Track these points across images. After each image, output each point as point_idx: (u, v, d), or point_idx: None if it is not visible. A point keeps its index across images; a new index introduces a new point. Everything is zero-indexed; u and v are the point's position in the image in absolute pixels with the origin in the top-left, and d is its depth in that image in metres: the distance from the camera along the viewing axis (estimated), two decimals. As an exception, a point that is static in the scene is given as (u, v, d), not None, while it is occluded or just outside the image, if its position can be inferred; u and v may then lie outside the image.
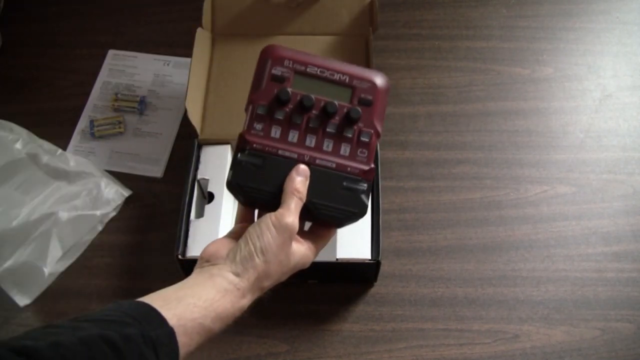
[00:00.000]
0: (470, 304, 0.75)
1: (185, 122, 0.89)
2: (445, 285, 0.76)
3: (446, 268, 0.77)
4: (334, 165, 0.53)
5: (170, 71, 0.93)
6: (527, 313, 0.74)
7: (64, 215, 0.76)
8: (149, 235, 0.80)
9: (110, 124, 0.88)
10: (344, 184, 0.52)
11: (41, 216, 0.75)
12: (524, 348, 0.72)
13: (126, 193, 0.82)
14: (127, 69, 0.94)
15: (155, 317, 0.43)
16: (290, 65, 0.54)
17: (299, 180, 0.51)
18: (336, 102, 0.53)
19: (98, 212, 0.78)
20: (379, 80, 0.55)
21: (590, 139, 0.88)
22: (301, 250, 0.51)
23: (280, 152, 0.52)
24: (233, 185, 0.52)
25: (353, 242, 0.71)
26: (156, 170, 0.85)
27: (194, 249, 0.71)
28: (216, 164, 0.78)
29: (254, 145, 0.52)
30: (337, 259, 0.70)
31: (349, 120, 0.53)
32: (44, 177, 0.78)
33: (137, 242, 0.79)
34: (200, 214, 0.75)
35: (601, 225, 0.81)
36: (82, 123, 0.89)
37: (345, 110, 0.53)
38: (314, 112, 0.53)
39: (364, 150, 0.53)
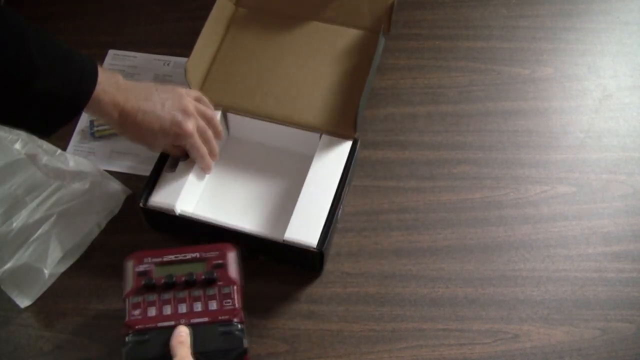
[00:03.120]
0: (470, 304, 0.75)
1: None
2: (445, 285, 0.76)
3: (446, 268, 0.77)
4: (207, 319, 0.63)
5: (170, 71, 0.93)
6: (527, 313, 0.74)
7: (64, 216, 0.76)
8: (149, 235, 0.80)
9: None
10: (220, 329, 0.62)
11: (41, 217, 0.75)
12: (524, 348, 0.72)
13: (126, 193, 0.82)
14: (127, 69, 0.94)
15: None
16: (150, 261, 0.67)
17: (182, 332, 0.60)
18: (194, 273, 0.65)
19: (98, 213, 0.79)
20: (226, 247, 0.68)
21: (590, 139, 0.88)
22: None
23: (159, 324, 0.62)
24: None
25: (305, 225, 0.73)
26: (156, 171, 0.85)
27: (157, 198, 0.74)
28: None
29: (137, 327, 0.62)
30: (283, 240, 0.72)
31: (208, 282, 0.65)
32: (43, 178, 0.78)
33: (137, 242, 0.79)
34: (173, 168, 0.77)
35: (601, 225, 0.81)
36: (82, 123, 0.89)
37: (202, 276, 0.65)
38: (178, 286, 0.65)
39: (229, 300, 0.64)
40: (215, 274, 0.65)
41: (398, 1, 0.86)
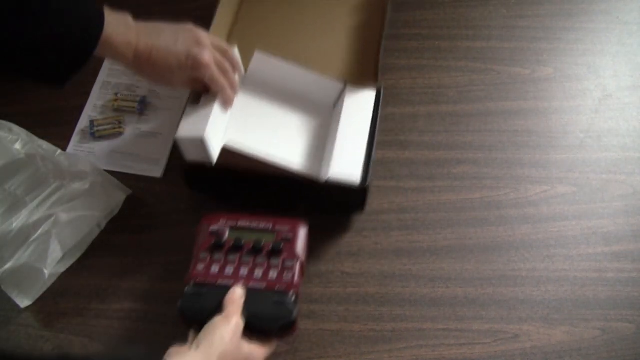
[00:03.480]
0: (470, 304, 0.75)
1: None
2: (445, 285, 0.76)
3: (446, 268, 0.77)
4: (264, 287, 0.65)
5: (170, 71, 0.93)
6: (527, 313, 0.74)
7: (64, 216, 0.76)
8: (149, 235, 0.80)
9: (110, 124, 0.88)
10: (274, 298, 0.65)
11: (41, 217, 0.75)
12: (524, 348, 0.72)
13: (126, 193, 0.82)
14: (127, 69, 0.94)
15: None
16: (224, 223, 0.70)
17: (237, 292, 0.63)
18: (262, 241, 0.68)
19: (98, 213, 0.78)
20: (298, 223, 0.71)
21: (590, 139, 0.88)
22: (251, 346, 0.62)
23: (218, 282, 0.66)
24: (182, 312, 0.65)
25: (347, 164, 0.74)
26: (156, 170, 0.85)
27: (185, 130, 0.73)
28: None
29: (197, 280, 0.66)
30: (327, 179, 0.73)
31: (274, 252, 0.68)
32: (43, 178, 0.78)
33: (137, 242, 0.79)
34: (197, 101, 0.77)
35: (601, 225, 0.81)
36: (82, 123, 0.89)
37: (270, 246, 0.68)
38: (245, 251, 0.68)
39: (289, 273, 0.67)
40: (281, 246, 0.68)
41: (398, 1, 0.86)
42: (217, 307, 0.63)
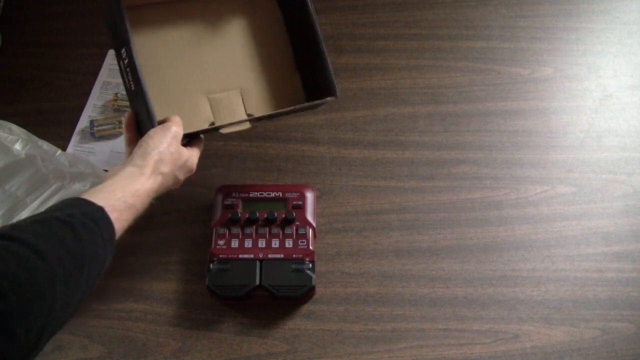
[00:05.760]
0: (470, 304, 0.75)
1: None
2: (445, 285, 0.76)
3: (446, 268, 0.77)
4: (282, 256, 0.72)
5: (170, 71, 0.93)
6: (527, 313, 0.74)
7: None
8: (149, 235, 0.80)
9: (110, 124, 0.88)
10: (292, 267, 0.72)
11: (41, 217, 0.75)
12: (524, 348, 0.72)
13: (126, 193, 0.81)
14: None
15: (85, 202, 0.56)
16: (237, 195, 0.77)
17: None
18: (275, 212, 0.74)
19: (98, 213, 0.78)
20: (306, 188, 0.78)
21: (590, 139, 0.88)
22: (189, 150, 0.68)
23: (240, 256, 0.72)
24: (211, 288, 0.71)
25: None
26: (156, 171, 0.85)
27: None
28: None
29: (220, 256, 0.72)
30: None
31: (287, 221, 0.74)
32: (44, 178, 0.78)
33: (137, 242, 0.79)
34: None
35: (601, 225, 0.81)
36: (82, 123, 0.89)
37: (283, 215, 0.74)
38: (259, 222, 0.75)
39: (304, 240, 0.74)
40: (293, 215, 0.75)
41: (398, 1, 0.86)
42: (243, 282, 0.70)
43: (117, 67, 0.91)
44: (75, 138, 0.88)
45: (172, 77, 0.76)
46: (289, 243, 0.73)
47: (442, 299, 0.75)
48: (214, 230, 0.75)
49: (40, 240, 0.48)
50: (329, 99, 0.74)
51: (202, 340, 0.73)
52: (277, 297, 0.71)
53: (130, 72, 0.67)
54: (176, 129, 0.66)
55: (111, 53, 0.95)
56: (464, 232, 0.80)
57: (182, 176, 0.68)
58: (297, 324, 0.74)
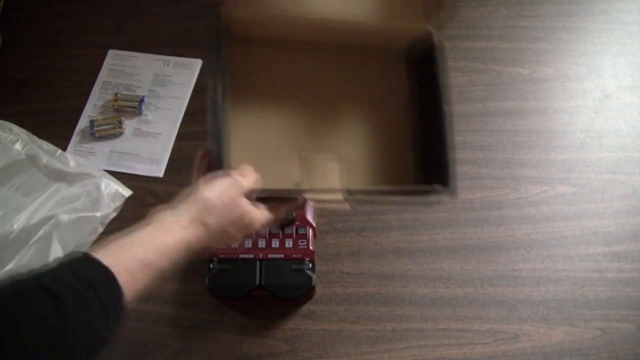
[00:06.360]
0: (470, 304, 0.75)
1: (185, 122, 0.89)
2: (445, 285, 0.76)
3: (446, 268, 0.77)
4: (282, 256, 0.72)
5: (170, 71, 0.93)
6: (527, 313, 0.74)
7: (64, 217, 0.76)
8: (149, 236, 0.80)
9: (110, 124, 0.88)
10: (292, 267, 0.71)
11: (42, 219, 0.75)
12: (524, 348, 0.72)
13: (126, 193, 0.82)
14: (127, 69, 0.94)
15: (91, 262, 0.45)
16: None
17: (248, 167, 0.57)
18: None
19: (98, 214, 0.78)
20: None
21: (590, 139, 0.88)
22: (252, 206, 0.55)
23: (240, 256, 0.71)
24: (211, 288, 0.71)
25: None
26: (156, 170, 0.85)
27: None
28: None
29: (220, 256, 0.71)
30: None
31: (287, 222, 0.73)
32: (43, 179, 0.78)
33: (137, 243, 0.79)
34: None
35: (601, 225, 0.81)
36: (82, 123, 0.89)
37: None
38: None
39: (304, 240, 0.73)
40: (293, 214, 0.73)
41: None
42: (244, 281, 0.70)
43: (117, 67, 0.91)
44: (75, 138, 0.88)
45: (264, 122, 0.65)
46: (289, 243, 0.73)
47: (442, 299, 0.75)
48: None
49: (5, 319, 0.39)
50: (439, 189, 0.60)
51: (202, 340, 0.73)
52: (277, 297, 0.71)
53: (212, 104, 0.58)
54: (240, 178, 0.55)
55: (111, 53, 0.95)
56: (464, 232, 0.80)
57: (236, 232, 0.55)
58: (297, 324, 0.74)
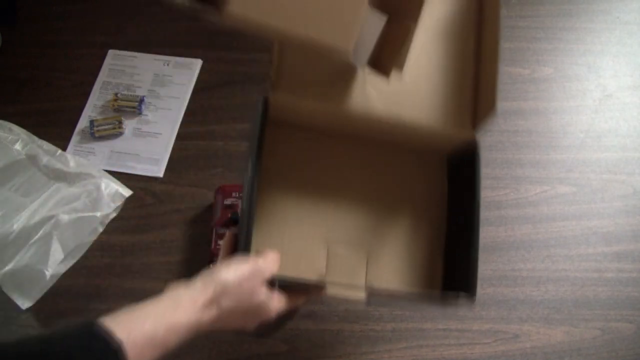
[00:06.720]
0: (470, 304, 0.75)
1: (185, 122, 0.89)
2: (445, 285, 0.76)
3: (446, 268, 0.77)
4: None
5: (170, 71, 0.93)
6: (527, 313, 0.74)
7: (64, 217, 0.76)
8: (149, 235, 0.80)
9: (110, 124, 0.88)
10: None
11: (42, 219, 0.75)
12: (524, 348, 0.72)
13: (126, 193, 0.82)
14: (127, 69, 0.94)
15: (100, 335, 0.44)
16: (236, 195, 0.74)
17: (273, 257, 0.56)
18: None
19: (98, 214, 0.78)
20: None
21: (590, 139, 0.88)
22: (270, 294, 0.54)
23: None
24: None
25: None
26: (156, 170, 0.85)
27: None
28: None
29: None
30: None
31: None
32: (43, 179, 0.78)
33: (137, 242, 0.79)
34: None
35: (601, 225, 0.81)
36: (82, 123, 0.89)
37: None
38: None
39: None
40: None
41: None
42: None
43: (117, 67, 0.91)
44: (75, 138, 0.88)
45: (296, 208, 0.65)
46: None
47: (442, 299, 0.75)
48: (214, 230, 0.75)
49: None
50: (464, 297, 0.59)
51: (202, 340, 0.73)
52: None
53: (248, 186, 0.57)
54: (263, 264, 0.54)
55: (111, 53, 0.95)
56: (464, 232, 0.80)
57: (248, 320, 0.54)
58: (297, 324, 0.74)
